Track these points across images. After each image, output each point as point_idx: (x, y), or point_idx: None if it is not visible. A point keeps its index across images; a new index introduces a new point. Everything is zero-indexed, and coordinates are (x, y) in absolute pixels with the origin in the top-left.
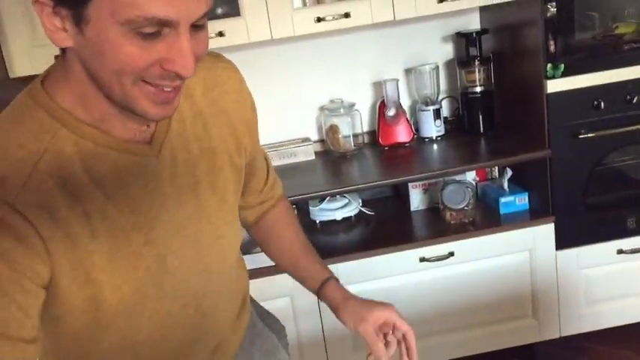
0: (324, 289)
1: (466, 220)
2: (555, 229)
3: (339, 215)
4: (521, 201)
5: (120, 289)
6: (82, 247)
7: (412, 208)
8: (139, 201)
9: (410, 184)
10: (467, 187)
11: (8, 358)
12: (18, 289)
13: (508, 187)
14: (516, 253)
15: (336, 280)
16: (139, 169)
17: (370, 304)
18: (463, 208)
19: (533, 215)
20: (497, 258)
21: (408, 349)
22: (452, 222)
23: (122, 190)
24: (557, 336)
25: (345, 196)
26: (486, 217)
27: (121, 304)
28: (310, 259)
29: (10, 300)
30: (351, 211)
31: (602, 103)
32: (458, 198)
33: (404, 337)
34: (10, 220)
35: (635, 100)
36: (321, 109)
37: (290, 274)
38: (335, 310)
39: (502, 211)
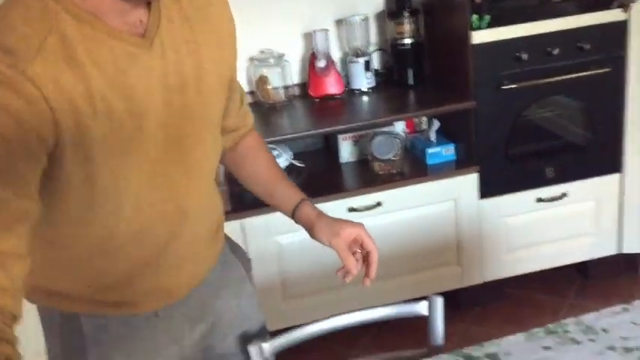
0: (299, 209)
1: (394, 171)
2: (479, 179)
3: None
4: (447, 152)
5: (112, 171)
6: (83, 124)
7: (342, 160)
8: (133, 90)
9: (340, 136)
10: (395, 138)
11: (13, 207)
12: (24, 148)
13: (435, 139)
14: (442, 202)
15: (310, 201)
16: (133, 59)
17: (342, 221)
18: (391, 158)
19: (459, 165)
20: (424, 207)
21: (369, 265)
22: (380, 172)
23: (118, 76)
24: (479, 282)
25: (275, 148)
26: (414, 168)
27: (110, 186)
28: (284, 183)
29: (17, 156)
30: (281, 162)
31: (525, 55)
32: (386, 149)
33: (368, 254)
34: (21, 85)
35: (555, 53)
36: (251, 59)
37: (264, 198)
38: (310, 227)
39: (429, 161)
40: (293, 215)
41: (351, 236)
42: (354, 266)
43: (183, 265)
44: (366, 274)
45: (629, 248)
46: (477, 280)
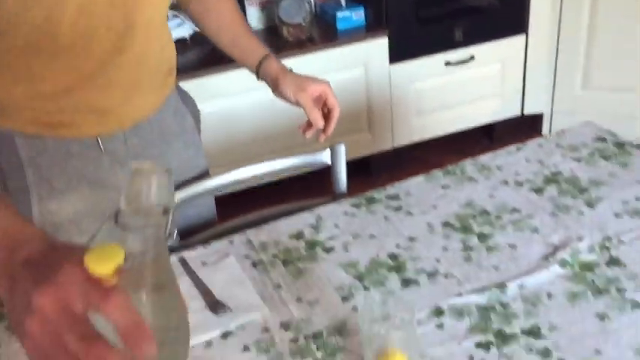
0: (264, 63)
1: (303, 37)
2: (389, 43)
3: (172, 35)
4: (357, 16)
5: None
6: None
7: None
8: None
9: (246, 2)
10: (303, 1)
11: None
12: None
13: (345, 3)
14: (352, 68)
15: (275, 56)
16: None
17: (308, 78)
18: (300, 23)
19: (369, 30)
20: (334, 73)
21: (329, 121)
22: (289, 39)
23: None
24: (389, 147)
25: (177, 16)
26: (324, 33)
27: None
28: (250, 35)
29: None
30: (185, 31)
31: None
32: (294, 12)
33: (329, 111)
34: None
35: None
36: None
37: (228, 51)
38: (275, 81)
39: (339, 26)
40: (257, 69)
41: (316, 92)
42: (320, 119)
43: (127, 90)
44: (324, 131)
45: (531, 109)
46: (387, 145)
